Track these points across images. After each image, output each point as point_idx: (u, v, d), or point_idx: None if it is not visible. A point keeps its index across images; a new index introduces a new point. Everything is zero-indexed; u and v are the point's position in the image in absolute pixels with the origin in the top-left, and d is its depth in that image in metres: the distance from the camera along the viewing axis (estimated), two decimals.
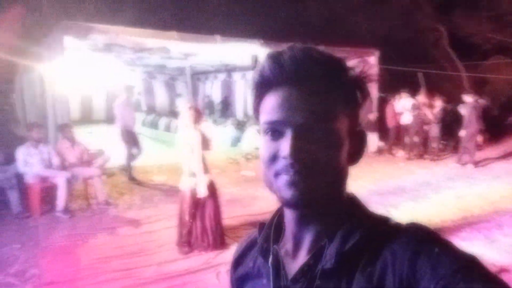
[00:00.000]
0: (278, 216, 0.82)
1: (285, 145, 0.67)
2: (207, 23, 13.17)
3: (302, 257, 0.74)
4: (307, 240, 0.75)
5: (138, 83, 15.53)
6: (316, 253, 0.71)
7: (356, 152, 0.75)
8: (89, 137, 11.42)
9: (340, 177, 0.73)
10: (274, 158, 0.70)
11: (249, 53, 10.35)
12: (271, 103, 0.71)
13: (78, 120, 14.37)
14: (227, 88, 15.87)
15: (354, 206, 0.75)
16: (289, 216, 0.77)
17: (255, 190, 7.11)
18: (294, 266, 0.74)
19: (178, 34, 9.15)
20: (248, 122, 12.71)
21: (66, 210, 6.21)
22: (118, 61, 12.09)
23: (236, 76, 15.05)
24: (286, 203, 0.72)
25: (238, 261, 0.90)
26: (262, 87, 0.73)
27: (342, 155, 0.71)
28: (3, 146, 6.68)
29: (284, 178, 0.68)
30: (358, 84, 0.73)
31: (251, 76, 0.89)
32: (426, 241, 0.63)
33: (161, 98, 17.26)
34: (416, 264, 0.60)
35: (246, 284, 0.85)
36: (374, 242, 0.67)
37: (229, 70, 14.86)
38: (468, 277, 0.57)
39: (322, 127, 0.68)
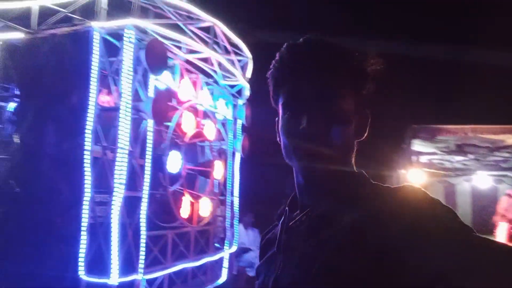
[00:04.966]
0: (295, 193, 0.94)
1: (303, 120, 0.80)
2: None
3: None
4: (312, 202, 0.86)
5: None
6: (313, 207, 0.84)
7: (362, 129, 0.87)
8: None
9: (348, 148, 0.84)
10: (294, 132, 0.82)
11: None
12: (290, 86, 0.84)
13: None
14: None
15: (356, 176, 0.85)
16: (301, 184, 0.88)
17: None
18: None
19: None
20: None
21: None
22: (479, 164, 11.38)
23: None
24: (303, 169, 0.84)
25: (266, 234, 1.06)
26: (282, 73, 0.87)
27: (349, 129, 0.83)
28: None
29: (302, 148, 0.81)
30: (362, 69, 0.84)
31: None
32: (411, 206, 0.70)
33: None
34: (399, 226, 0.67)
35: (267, 248, 0.99)
36: (364, 201, 0.76)
37: None
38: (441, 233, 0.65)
39: (332, 105, 0.81)
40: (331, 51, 0.83)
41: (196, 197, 4.99)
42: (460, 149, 10.02)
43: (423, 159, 10.50)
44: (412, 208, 0.69)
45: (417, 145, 9.60)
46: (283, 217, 0.92)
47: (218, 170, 5.34)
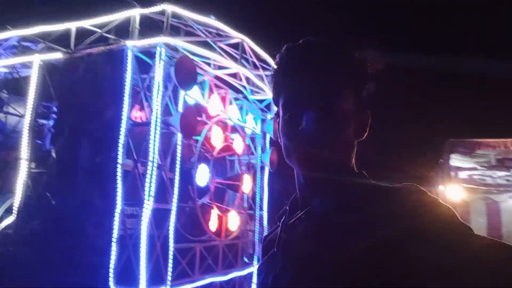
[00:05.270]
0: (296, 194, 0.97)
1: (303, 120, 0.80)
2: None
3: None
4: (312, 202, 0.86)
5: None
6: (313, 206, 0.84)
7: (362, 129, 0.86)
8: None
9: (348, 148, 0.84)
10: (293, 132, 0.82)
11: None
12: (290, 88, 0.84)
13: None
14: None
15: (356, 176, 0.84)
16: (302, 184, 0.89)
17: None
18: None
19: None
20: None
21: None
22: None
23: None
24: (304, 169, 0.84)
25: (268, 235, 1.06)
26: (282, 74, 0.86)
27: (349, 129, 0.82)
28: None
29: (302, 149, 0.80)
30: (362, 69, 0.83)
31: None
32: (411, 206, 0.70)
33: None
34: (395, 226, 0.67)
35: (268, 248, 0.99)
36: (364, 202, 0.75)
37: None
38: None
39: (331, 105, 0.80)
40: (330, 52, 0.83)
41: (225, 211, 5.03)
42: (501, 164, 9.54)
43: (463, 174, 10.07)
44: (412, 209, 0.68)
45: (456, 160, 9.25)
46: (284, 217, 0.92)
47: (246, 184, 5.36)
